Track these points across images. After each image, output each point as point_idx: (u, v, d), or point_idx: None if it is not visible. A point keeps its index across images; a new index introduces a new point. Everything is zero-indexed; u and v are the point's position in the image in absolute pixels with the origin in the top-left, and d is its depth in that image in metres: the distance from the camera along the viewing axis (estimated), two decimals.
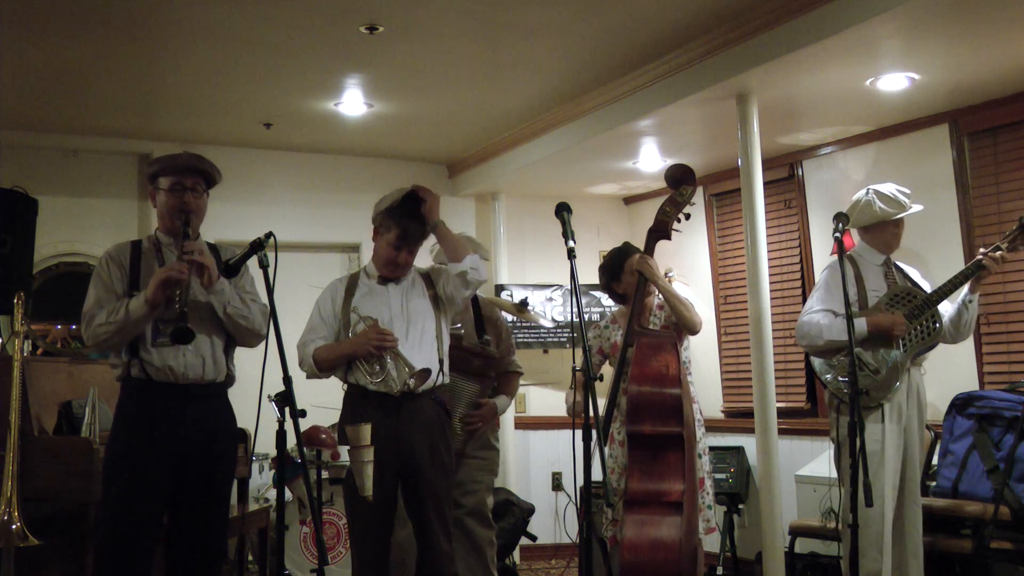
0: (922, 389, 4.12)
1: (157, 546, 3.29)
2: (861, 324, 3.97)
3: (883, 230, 4.18)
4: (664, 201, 4.14)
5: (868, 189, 4.22)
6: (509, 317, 5.16)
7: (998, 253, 3.99)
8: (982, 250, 4.05)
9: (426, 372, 3.58)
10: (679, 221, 4.16)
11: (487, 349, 4.31)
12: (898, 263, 4.27)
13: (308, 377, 3.74)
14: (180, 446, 3.26)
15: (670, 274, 4.58)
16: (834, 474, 4.26)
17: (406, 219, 3.71)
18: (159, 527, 3.30)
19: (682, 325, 4.08)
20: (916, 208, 4.17)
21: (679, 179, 4.12)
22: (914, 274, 4.26)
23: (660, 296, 4.19)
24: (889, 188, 4.18)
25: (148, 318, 3.24)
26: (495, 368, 4.35)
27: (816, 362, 4.20)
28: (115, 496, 3.23)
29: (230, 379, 3.46)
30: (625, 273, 4.26)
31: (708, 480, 4.18)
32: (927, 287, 4.17)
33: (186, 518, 3.32)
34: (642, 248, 4.19)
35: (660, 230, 4.11)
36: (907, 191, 4.20)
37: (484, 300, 4.53)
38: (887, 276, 4.17)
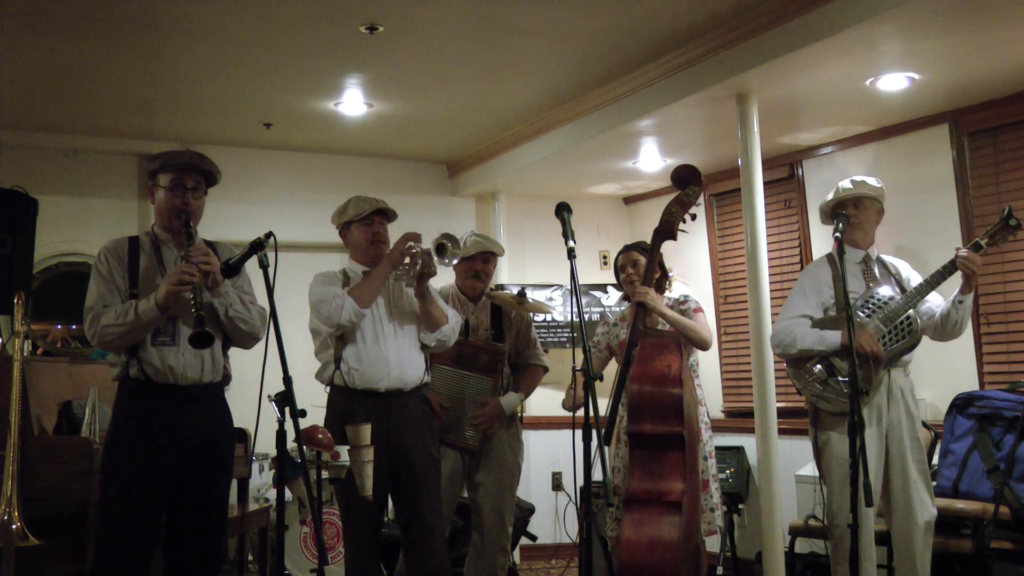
0: (908, 391, 4.00)
1: (155, 547, 3.28)
2: (835, 337, 3.91)
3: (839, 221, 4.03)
4: (670, 201, 4.14)
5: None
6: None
7: (976, 253, 3.82)
8: (959, 250, 3.88)
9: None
10: (685, 221, 4.15)
11: (493, 344, 4.36)
12: (883, 256, 4.17)
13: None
14: (179, 447, 3.25)
15: (670, 274, 4.55)
16: None
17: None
18: (157, 527, 3.29)
19: (693, 345, 4.14)
20: (844, 186, 4.09)
21: (685, 179, 4.12)
22: (903, 267, 4.14)
23: (671, 292, 4.24)
24: (843, 182, 4.14)
25: (158, 321, 3.23)
26: (504, 361, 4.40)
27: (789, 371, 4.14)
28: (113, 497, 3.22)
29: (227, 378, 3.46)
30: (619, 272, 4.40)
31: (713, 483, 4.17)
32: (916, 279, 4.07)
33: (185, 519, 3.31)
34: (648, 246, 4.20)
35: (666, 230, 4.11)
36: (858, 179, 4.12)
37: (497, 294, 4.57)
38: (866, 274, 4.08)
